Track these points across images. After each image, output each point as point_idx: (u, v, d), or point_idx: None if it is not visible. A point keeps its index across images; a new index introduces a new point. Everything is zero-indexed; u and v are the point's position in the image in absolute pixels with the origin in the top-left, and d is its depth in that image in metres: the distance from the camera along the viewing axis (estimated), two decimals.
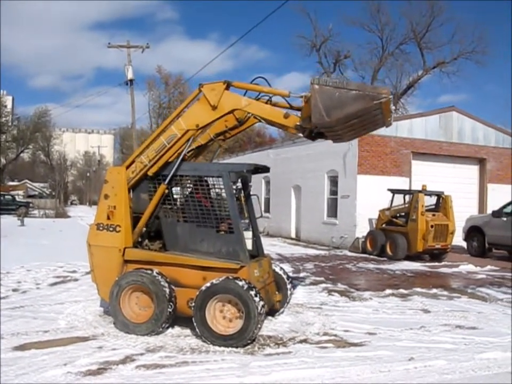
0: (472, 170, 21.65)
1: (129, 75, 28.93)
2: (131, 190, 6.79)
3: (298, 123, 5.95)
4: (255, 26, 41.14)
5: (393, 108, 5.68)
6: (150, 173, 6.61)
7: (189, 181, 6.77)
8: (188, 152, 6.90)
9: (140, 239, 6.81)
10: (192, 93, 6.73)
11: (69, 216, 43.72)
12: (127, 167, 6.74)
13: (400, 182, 19.08)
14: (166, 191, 6.57)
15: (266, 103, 6.53)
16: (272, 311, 7.13)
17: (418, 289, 10.07)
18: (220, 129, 7.27)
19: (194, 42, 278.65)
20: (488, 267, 13.98)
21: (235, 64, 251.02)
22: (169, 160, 6.57)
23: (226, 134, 7.35)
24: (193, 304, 5.99)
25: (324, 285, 10.34)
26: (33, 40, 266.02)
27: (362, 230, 18.28)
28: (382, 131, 19.62)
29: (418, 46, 39.94)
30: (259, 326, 5.85)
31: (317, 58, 43.57)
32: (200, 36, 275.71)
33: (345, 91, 5.58)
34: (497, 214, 16.09)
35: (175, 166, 6.48)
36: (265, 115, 6.22)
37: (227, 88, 6.29)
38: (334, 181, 20.39)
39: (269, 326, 6.75)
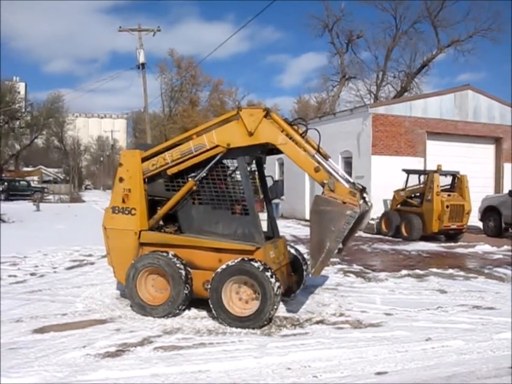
0: (488, 150, 21.42)
1: (141, 59, 28.86)
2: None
3: (325, 181, 5.78)
4: (268, 6, 40.86)
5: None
6: (169, 172, 6.55)
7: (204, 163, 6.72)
8: None
9: None
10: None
11: (83, 201, 44.21)
12: (146, 159, 6.68)
13: (415, 162, 18.95)
14: (195, 187, 6.49)
15: (300, 135, 6.24)
16: (287, 292, 7.12)
17: (434, 270, 10.01)
18: None
19: (210, 23, 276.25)
20: (505, 247, 13.84)
21: (251, 45, 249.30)
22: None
23: None
24: (209, 286, 6.00)
25: (339, 266, 10.34)
26: (46, 24, 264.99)
27: (377, 211, 18.15)
28: (396, 111, 19.53)
29: (432, 24, 39.34)
30: (275, 307, 5.85)
31: (329, 38, 43.20)
32: (216, 17, 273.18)
33: (341, 232, 5.41)
34: None
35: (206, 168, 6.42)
36: (297, 161, 6.00)
37: (265, 116, 6.11)
38: (348, 162, 20.26)
39: (285, 307, 6.75)
